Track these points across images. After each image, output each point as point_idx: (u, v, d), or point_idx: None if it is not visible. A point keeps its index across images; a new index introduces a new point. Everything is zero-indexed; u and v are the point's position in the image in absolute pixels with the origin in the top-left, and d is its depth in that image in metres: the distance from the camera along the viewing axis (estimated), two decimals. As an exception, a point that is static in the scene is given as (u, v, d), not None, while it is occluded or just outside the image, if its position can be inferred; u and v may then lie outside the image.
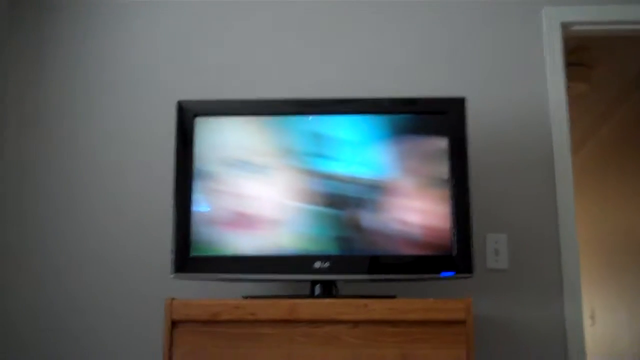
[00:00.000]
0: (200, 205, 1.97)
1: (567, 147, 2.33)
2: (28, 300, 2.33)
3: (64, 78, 2.48)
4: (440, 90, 2.36)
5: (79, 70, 2.49)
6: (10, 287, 2.34)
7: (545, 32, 2.41)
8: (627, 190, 4.20)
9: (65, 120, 2.45)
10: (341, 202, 1.95)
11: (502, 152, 2.34)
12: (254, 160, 1.99)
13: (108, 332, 2.28)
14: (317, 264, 1.92)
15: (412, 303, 1.79)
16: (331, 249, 1.94)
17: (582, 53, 3.52)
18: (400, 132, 1.99)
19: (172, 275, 1.95)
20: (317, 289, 1.96)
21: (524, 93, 2.38)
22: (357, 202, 1.95)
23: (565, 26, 2.43)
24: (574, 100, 2.59)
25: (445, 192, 1.95)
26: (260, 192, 1.97)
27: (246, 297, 1.89)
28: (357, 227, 1.94)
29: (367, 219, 1.95)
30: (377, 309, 1.78)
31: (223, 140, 2.01)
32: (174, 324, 1.81)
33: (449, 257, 1.92)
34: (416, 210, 1.94)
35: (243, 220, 1.96)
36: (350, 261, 1.93)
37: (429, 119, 2.00)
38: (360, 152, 1.98)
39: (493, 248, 2.28)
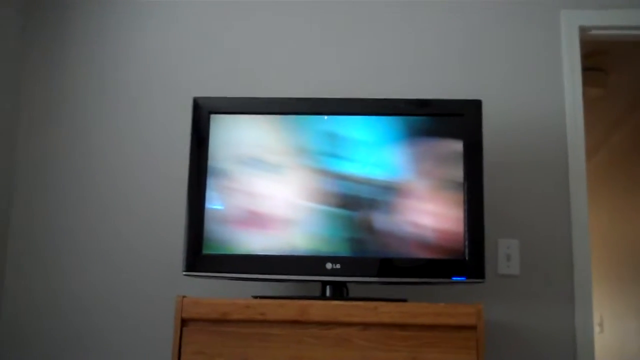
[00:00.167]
0: (214, 203, 1.97)
1: (581, 152, 2.31)
2: (37, 300, 2.32)
3: (77, 76, 2.48)
4: (456, 91, 2.34)
5: (92, 69, 2.48)
6: (20, 286, 2.34)
7: (563, 35, 2.39)
8: (636, 200, 4.17)
9: (78, 119, 2.45)
10: (354, 203, 1.94)
11: (515, 155, 2.31)
12: (268, 158, 1.98)
13: (115, 332, 2.28)
14: (329, 265, 1.91)
15: (422, 307, 1.77)
16: (343, 251, 1.93)
17: (599, 58, 3.49)
18: (415, 133, 1.98)
19: (183, 273, 1.95)
20: (328, 291, 1.95)
21: (540, 96, 2.36)
22: (370, 204, 1.94)
23: (583, 30, 2.41)
24: (587, 106, 2.57)
25: (459, 196, 1.93)
26: (274, 191, 1.96)
27: (256, 297, 1.89)
28: (369, 228, 1.93)
29: (380, 220, 1.93)
30: (388, 312, 1.77)
31: (238, 138, 2.00)
32: (184, 322, 1.80)
33: (460, 261, 1.90)
34: (429, 213, 1.93)
35: (256, 219, 1.95)
36: (362, 263, 1.92)
37: (445, 121, 1.99)
38: (374, 153, 1.97)
39: (505, 253, 2.26)
